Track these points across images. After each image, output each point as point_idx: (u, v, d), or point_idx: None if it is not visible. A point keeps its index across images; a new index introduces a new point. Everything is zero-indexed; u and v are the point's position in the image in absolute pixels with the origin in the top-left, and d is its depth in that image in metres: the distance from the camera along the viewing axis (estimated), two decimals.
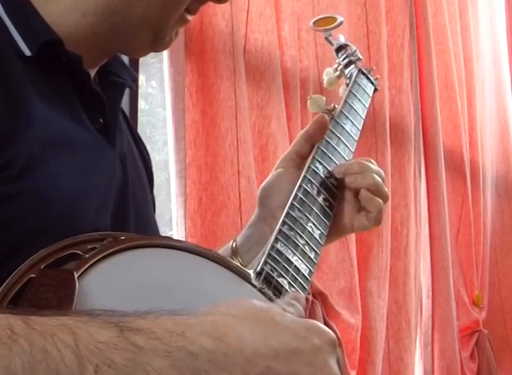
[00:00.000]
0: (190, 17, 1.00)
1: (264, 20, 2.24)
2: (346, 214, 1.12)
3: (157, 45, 0.99)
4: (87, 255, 0.73)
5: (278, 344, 0.65)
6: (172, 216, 2.03)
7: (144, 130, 2.33)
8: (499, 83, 3.65)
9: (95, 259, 0.72)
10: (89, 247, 0.74)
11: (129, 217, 0.96)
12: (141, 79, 2.26)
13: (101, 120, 0.96)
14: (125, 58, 1.10)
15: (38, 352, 0.56)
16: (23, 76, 0.86)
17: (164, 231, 2.07)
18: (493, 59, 3.62)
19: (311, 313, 2.27)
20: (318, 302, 2.33)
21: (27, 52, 0.89)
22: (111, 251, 0.74)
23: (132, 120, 1.97)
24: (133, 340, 0.60)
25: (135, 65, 1.96)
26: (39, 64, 0.89)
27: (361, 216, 1.11)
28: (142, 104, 2.36)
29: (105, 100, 0.96)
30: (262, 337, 0.65)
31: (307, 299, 2.25)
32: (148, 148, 1.18)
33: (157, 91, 2.46)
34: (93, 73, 0.99)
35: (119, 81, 1.03)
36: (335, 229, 1.11)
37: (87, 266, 0.71)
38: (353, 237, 2.48)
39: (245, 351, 0.63)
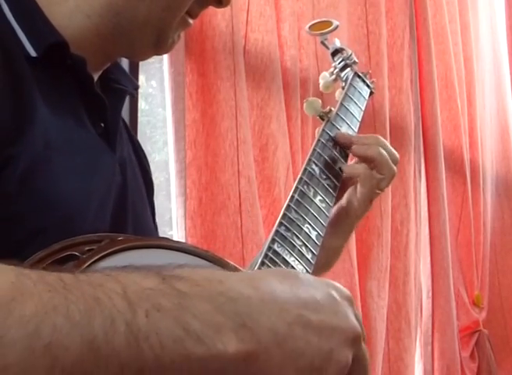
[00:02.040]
0: (191, 21, 1.01)
1: (264, 20, 2.24)
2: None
3: (159, 48, 1.00)
4: (84, 256, 0.73)
5: (305, 296, 0.68)
6: (172, 216, 2.04)
7: (144, 130, 2.33)
8: (499, 83, 3.66)
9: (92, 260, 0.72)
10: (86, 248, 0.75)
11: (128, 220, 0.97)
12: (141, 79, 2.26)
13: (102, 125, 0.97)
14: (125, 60, 1.11)
15: (91, 300, 0.58)
16: (29, 77, 0.87)
17: (164, 231, 2.07)
18: (493, 59, 3.62)
19: None
20: None
21: (33, 53, 0.90)
22: (108, 251, 0.74)
23: (132, 120, 1.98)
24: (176, 286, 0.62)
25: (135, 65, 1.97)
26: (44, 66, 0.90)
27: (351, 196, 1.18)
28: (142, 104, 2.36)
29: (107, 105, 0.97)
30: (291, 289, 0.68)
31: None
32: (148, 148, 1.18)
33: (157, 91, 2.46)
34: (96, 77, 1.00)
35: (121, 88, 1.05)
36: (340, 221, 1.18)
37: (83, 267, 0.71)
38: (353, 237, 2.48)
39: (278, 299, 0.66)
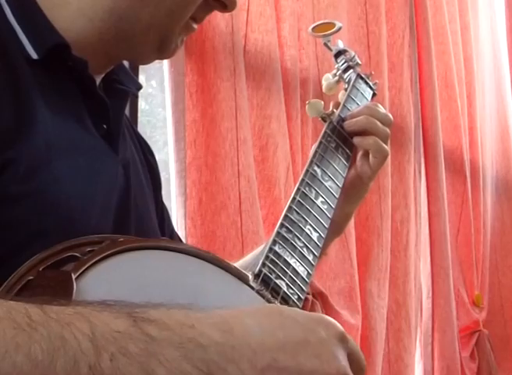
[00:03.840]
0: (195, 25, 1.00)
1: (264, 20, 2.24)
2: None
3: (162, 52, 0.99)
4: (84, 258, 0.73)
5: (284, 337, 0.66)
6: (172, 216, 2.03)
7: (143, 130, 2.33)
8: (499, 83, 3.65)
9: (93, 261, 0.72)
10: (87, 249, 0.75)
11: (131, 222, 0.96)
12: (141, 79, 2.26)
13: (104, 126, 0.96)
14: (124, 60, 1.10)
15: (56, 339, 0.58)
16: (30, 79, 0.87)
17: None
18: (493, 59, 3.62)
19: None
20: (318, 302, 2.33)
21: (34, 56, 0.89)
22: (108, 252, 0.74)
23: (132, 120, 1.97)
24: (146, 330, 0.61)
25: (135, 65, 1.96)
26: (45, 68, 0.90)
27: (364, 162, 1.22)
28: (142, 104, 2.36)
29: (110, 107, 0.97)
30: (269, 330, 0.66)
31: (306, 299, 2.26)
32: None
33: (157, 91, 2.46)
34: (98, 79, 0.99)
35: (124, 89, 1.04)
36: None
37: (84, 268, 0.71)
38: (353, 237, 2.48)
39: (252, 343, 0.64)
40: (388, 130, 1.24)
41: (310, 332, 0.68)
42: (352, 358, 0.70)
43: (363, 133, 1.23)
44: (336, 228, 1.22)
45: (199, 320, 0.65)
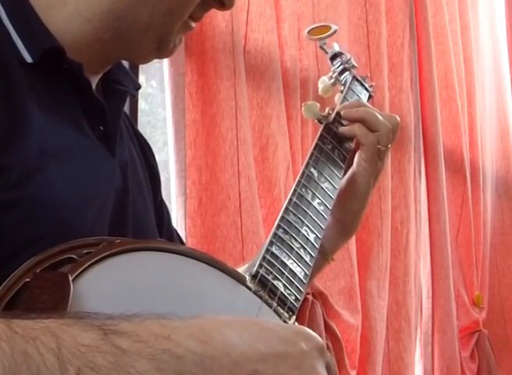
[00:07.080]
0: (193, 24, 1.00)
1: (264, 20, 2.24)
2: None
3: (161, 52, 0.99)
4: (81, 259, 0.73)
5: (265, 348, 0.65)
6: (172, 216, 2.04)
7: (143, 130, 2.33)
8: (499, 83, 3.65)
9: (90, 262, 0.73)
10: (84, 251, 0.75)
11: (128, 225, 0.96)
12: (141, 79, 2.26)
13: (101, 128, 0.95)
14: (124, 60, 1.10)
15: (19, 355, 0.57)
16: (24, 83, 0.86)
17: None
18: (493, 59, 3.62)
19: (310, 313, 2.28)
20: (318, 302, 2.33)
21: (29, 59, 0.89)
22: (105, 254, 0.74)
23: (132, 121, 1.97)
24: (116, 343, 0.60)
25: (135, 65, 1.96)
26: (40, 71, 0.89)
27: (358, 157, 1.19)
28: (142, 104, 2.36)
29: (107, 108, 0.96)
30: (249, 341, 0.65)
31: (306, 299, 2.26)
32: None
33: (157, 91, 2.46)
34: (96, 79, 0.99)
35: (122, 89, 1.03)
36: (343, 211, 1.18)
37: (81, 269, 0.72)
38: (353, 237, 2.48)
39: (232, 354, 0.63)
40: (389, 124, 1.21)
41: (290, 344, 0.67)
42: (328, 369, 0.70)
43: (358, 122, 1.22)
44: (343, 230, 1.21)
45: (175, 330, 0.63)
